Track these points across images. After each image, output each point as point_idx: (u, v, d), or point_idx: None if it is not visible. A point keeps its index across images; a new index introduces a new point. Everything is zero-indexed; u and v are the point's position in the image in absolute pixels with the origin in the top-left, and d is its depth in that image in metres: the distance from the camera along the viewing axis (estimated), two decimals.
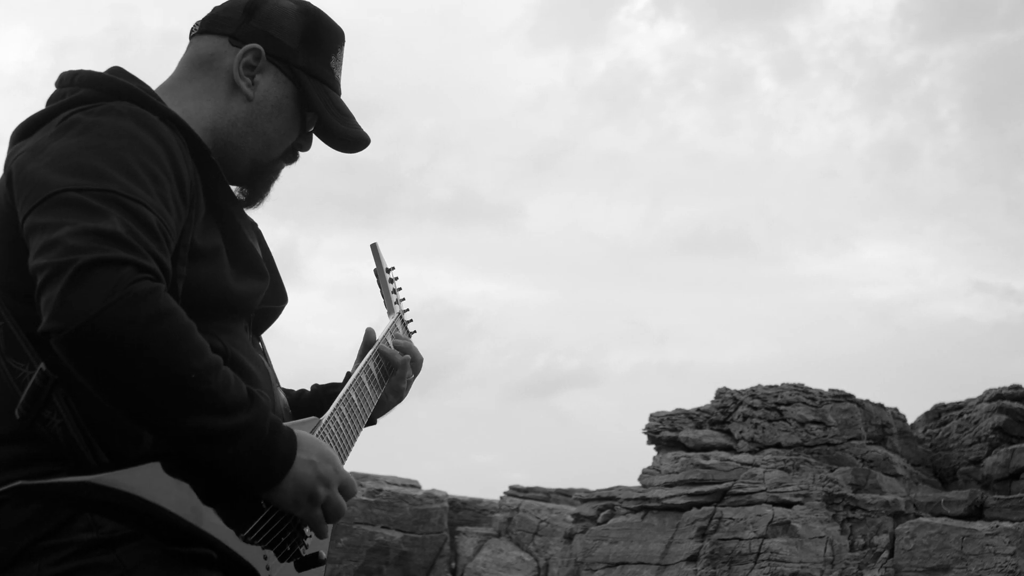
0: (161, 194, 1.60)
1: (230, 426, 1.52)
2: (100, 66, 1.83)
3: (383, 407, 2.16)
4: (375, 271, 2.34)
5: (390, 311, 2.30)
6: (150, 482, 1.53)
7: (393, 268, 2.38)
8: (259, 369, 1.81)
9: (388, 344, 2.18)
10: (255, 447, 1.54)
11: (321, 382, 2.16)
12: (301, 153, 1.97)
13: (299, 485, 1.60)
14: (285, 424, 1.64)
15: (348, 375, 2.13)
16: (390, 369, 2.15)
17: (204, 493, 1.56)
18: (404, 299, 2.39)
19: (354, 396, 1.96)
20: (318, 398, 2.08)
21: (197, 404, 1.50)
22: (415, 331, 2.38)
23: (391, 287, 2.35)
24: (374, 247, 2.33)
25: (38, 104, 1.80)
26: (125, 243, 1.50)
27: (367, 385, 2.03)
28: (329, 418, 1.82)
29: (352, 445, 1.92)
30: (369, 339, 2.14)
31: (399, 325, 2.30)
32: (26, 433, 1.59)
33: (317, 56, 1.90)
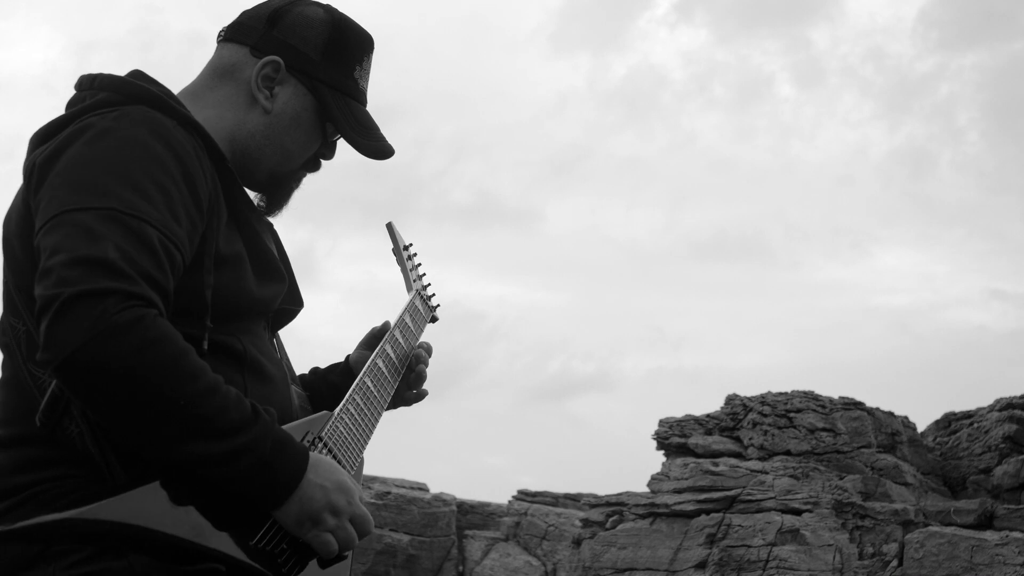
0: (169, 206, 1.60)
1: (226, 450, 1.52)
2: (124, 68, 1.83)
3: (401, 399, 2.11)
4: (392, 250, 2.30)
5: (409, 288, 2.26)
6: (144, 506, 1.52)
7: (411, 245, 2.34)
8: (276, 368, 1.81)
9: (411, 334, 2.13)
10: (255, 466, 1.53)
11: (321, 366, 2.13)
12: (324, 161, 1.95)
13: (304, 508, 1.58)
14: (300, 437, 1.63)
15: (348, 358, 2.10)
16: (407, 359, 2.10)
17: (210, 514, 1.56)
18: (424, 275, 2.34)
19: (370, 383, 1.92)
20: (319, 386, 2.05)
21: (189, 430, 1.50)
22: (438, 304, 2.32)
23: (409, 264, 2.30)
24: (390, 226, 2.30)
25: (61, 105, 1.79)
26: (114, 271, 1.50)
27: (384, 370, 1.99)
28: (342, 410, 1.81)
29: (370, 435, 1.88)
30: (384, 329, 2.10)
31: (418, 302, 2.24)
32: (47, 436, 1.60)
33: (340, 67, 1.88)
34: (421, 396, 2.14)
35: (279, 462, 1.56)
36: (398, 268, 2.31)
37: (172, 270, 1.58)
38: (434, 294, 2.34)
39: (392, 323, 2.11)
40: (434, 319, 2.30)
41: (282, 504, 1.57)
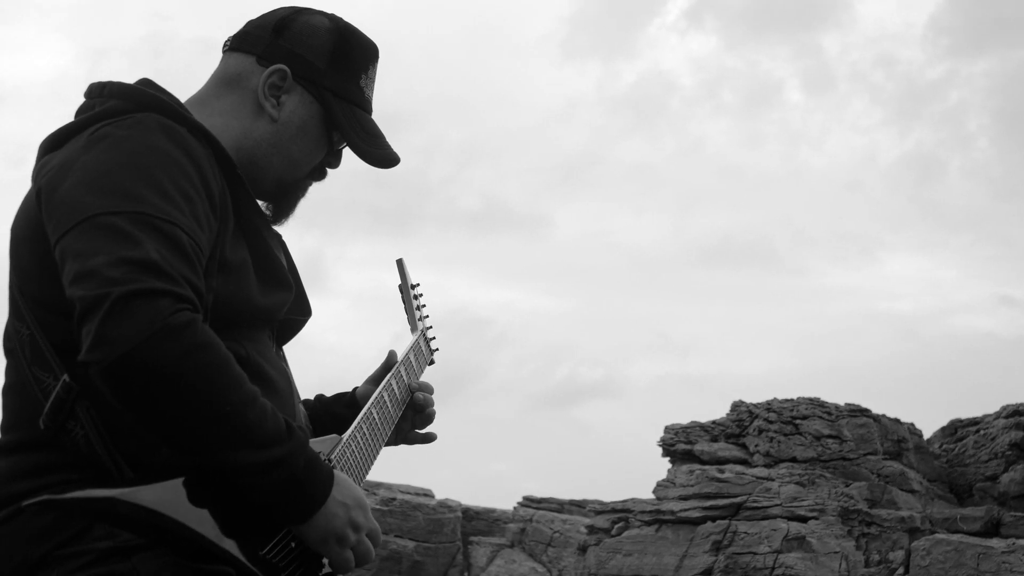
0: (193, 212, 1.61)
1: (264, 460, 1.53)
2: (134, 75, 1.83)
3: (404, 438, 2.16)
4: (399, 287, 2.32)
5: (413, 328, 2.29)
6: (174, 499, 1.54)
7: (418, 284, 2.36)
8: (281, 378, 1.82)
9: (413, 373, 2.17)
10: (288, 481, 1.55)
11: (329, 392, 2.16)
12: (330, 170, 1.96)
13: (329, 526, 1.60)
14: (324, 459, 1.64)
15: (355, 390, 2.13)
16: (408, 397, 2.14)
17: (227, 518, 1.57)
18: (428, 316, 2.37)
19: (376, 416, 1.96)
20: (322, 414, 2.08)
21: (232, 436, 1.51)
22: (437, 349, 2.37)
23: (415, 303, 2.33)
24: (400, 263, 2.32)
25: (71, 113, 1.79)
26: (161, 272, 1.50)
27: (389, 406, 2.03)
28: (350, 436, 1.83)
29: (371, 465, 1.92)
30: (391, 361, 2.13)
31: (422, 343, 2.28)
32: (50, 441, 1.60)
33: (345, 75, 1.89)
34: (430, 438, 2.19)
35: (310, 479, 1.58)
36: (401, 303, 2.33)
37: (202, 274, 1.60)
38: (435, 336, 2.37)
39: (399, 358, 2.14)
40: (431, 362, 2.35)
41: (307, 520, 1.59)
